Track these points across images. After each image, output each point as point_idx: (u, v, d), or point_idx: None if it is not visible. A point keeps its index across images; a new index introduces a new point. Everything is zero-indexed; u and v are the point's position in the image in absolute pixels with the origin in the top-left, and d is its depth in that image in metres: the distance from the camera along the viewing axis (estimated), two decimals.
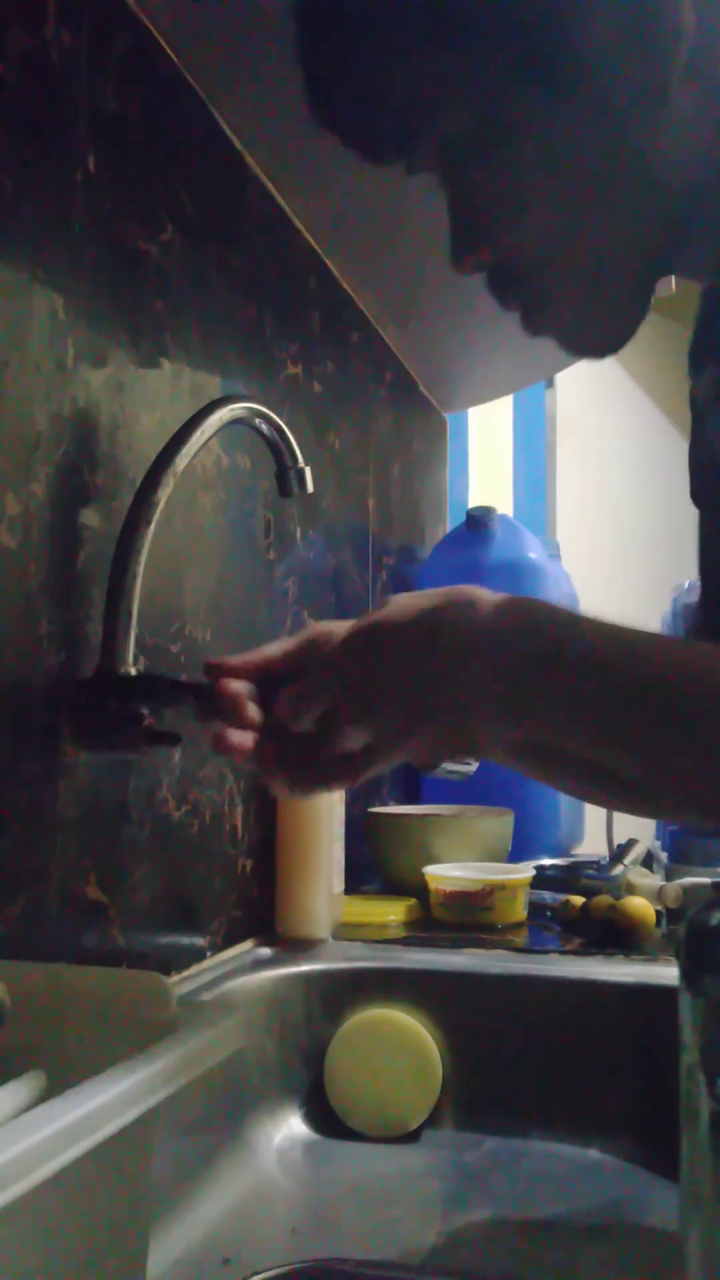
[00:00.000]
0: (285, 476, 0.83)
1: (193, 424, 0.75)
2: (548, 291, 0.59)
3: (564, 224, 0.57)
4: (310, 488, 0.83)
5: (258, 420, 0.81)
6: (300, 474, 0.83)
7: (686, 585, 1.55)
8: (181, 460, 0.74)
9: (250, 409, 0.80)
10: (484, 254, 0.59)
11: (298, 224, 1.15)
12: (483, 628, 0.52)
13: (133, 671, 0.72)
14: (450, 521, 1.90)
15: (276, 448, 0.83)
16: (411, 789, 1.59)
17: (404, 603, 0.55)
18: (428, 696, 0.52)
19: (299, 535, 1.16)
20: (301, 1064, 0.93)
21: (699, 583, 0.63)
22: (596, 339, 0.61)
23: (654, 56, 0.52)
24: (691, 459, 0.64)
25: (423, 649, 0.52)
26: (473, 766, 0.67)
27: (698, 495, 0.63)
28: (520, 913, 1.14)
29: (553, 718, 0.51)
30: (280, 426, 0.82)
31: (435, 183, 0.60)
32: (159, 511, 0.73)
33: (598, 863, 1.23)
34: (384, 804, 1.45)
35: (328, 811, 1.06)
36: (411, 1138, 0.91)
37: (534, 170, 0.55)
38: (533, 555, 1.58)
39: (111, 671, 0.72)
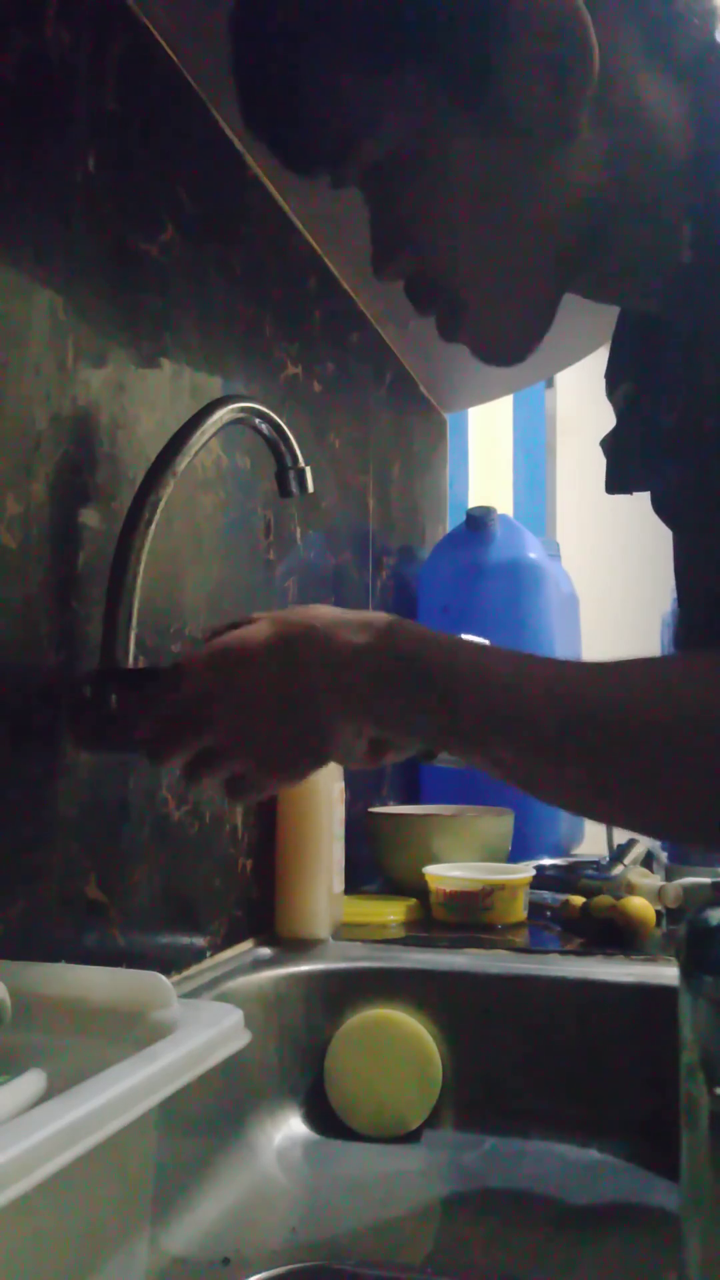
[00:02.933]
0: (285, 476, 0.83)
1: (193, 424, 0.75)
2: (460, 302, 0.63)
3: (476, 241, 0.60)
4: (310, 488, 0.83)
5: (258, 420, 0.81)
6: (300, 474, 0.83)
7: None
8: (181, 460, 0.74)
9: (250, 409, 0.80)
10: (403, 264, 0.63)
11: (298, 224, 1.15)
12: (339, 646, 0.58)
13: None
14: (450, 521, 1.90)
15: (276, 448, 0.83)
16: (411, 789, 1.59)
17: (255, 632, 0.60)
18: (291, 716, 0.58)
19: (299, 535, 1.16)
20: (301, 1064, 0.93)
21: (675, 595, 0.64)
22: (504, 349, 0.65)
23: (567, 91, 0.55)
24: (609, 449, 0.70)
25: (282, 672, 0.58)
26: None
27: (660, 508, 0.65)
28: (520, 913, 1.14)
29: (408, 727, 0.58)
30: (280, 426, 0.82)
31: (359, 196, 0.64)
32: (159, 511, 0.73)
33: (598, 863, 1.23)
34: (384, 804, 1.45)
35: (328, 811, 1.06)
36: (411, 1138, 0.91)
37: (451, 190, 0.59)
38: (533, 555, 1.59)
39: (111, 669, 0.72)
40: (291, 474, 0.83)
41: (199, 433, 0.75)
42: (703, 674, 0.50)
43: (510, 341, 0.64)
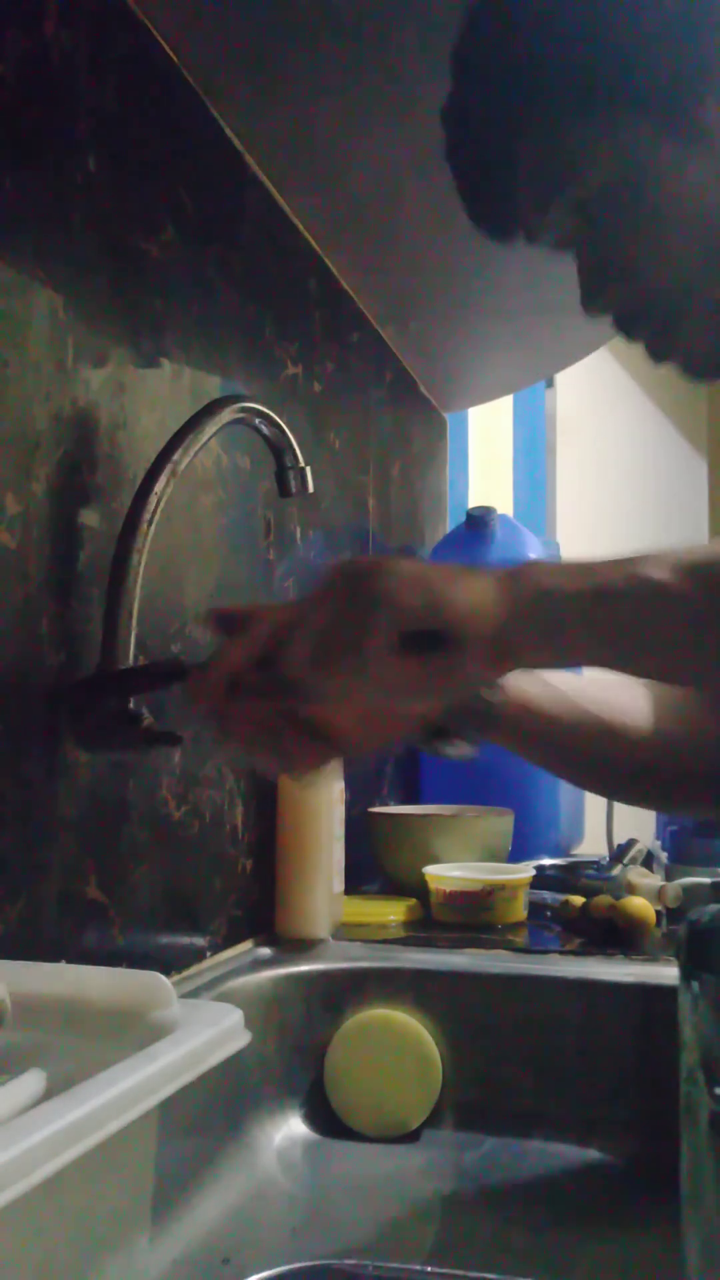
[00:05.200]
0: (285, 476, 0.83)
1: (193, 424, 0.75)
2: (670, 325, 0.67)
3: (685, 265, 0.65)
4: (310, 488, 0.83)
5: (258, 420, 0.81)
6: (300, 474, 0.83)
7: None
8: (182, 460, 0.74)
9: (250, 409, 0.80)
10: (614, 295, 0.67)
11: (298, 224, 1.15)
12: (477, 582, 0.57)
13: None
14: (450, 521, 1.90)
15: (276, 448, 0.83)
16: (411, 789, 1.59)
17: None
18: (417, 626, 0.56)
19: (299, 535, 1.16)
20: (301, 1064, 0.93)
21: None
22: (713, 364, 0.69)
23: None
24: None
25: (419, 581, 0.56)
26: (471, 749, 0.70)
27: None
28: (520, 913, 1.14)
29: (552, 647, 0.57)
30: (280, 426, 0.82)
31: (549, 251, 0.68)
32: (159, 511, 0.73)
33: (598, 863, 1.23)
34: (384, 804, 1.45)
35: (328, 811, 1.06)
36: (411, 1138, 0.91)
37: (661, 215, 0.64)
38: (533, 555, 1.58)
39: (111, 670, 0.72)
40: (291, 474, 0.83)
41: (199, 433, 0.75)
42: None
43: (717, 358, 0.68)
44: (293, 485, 0.83)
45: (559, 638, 0.56)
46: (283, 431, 0.82)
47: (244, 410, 0.79)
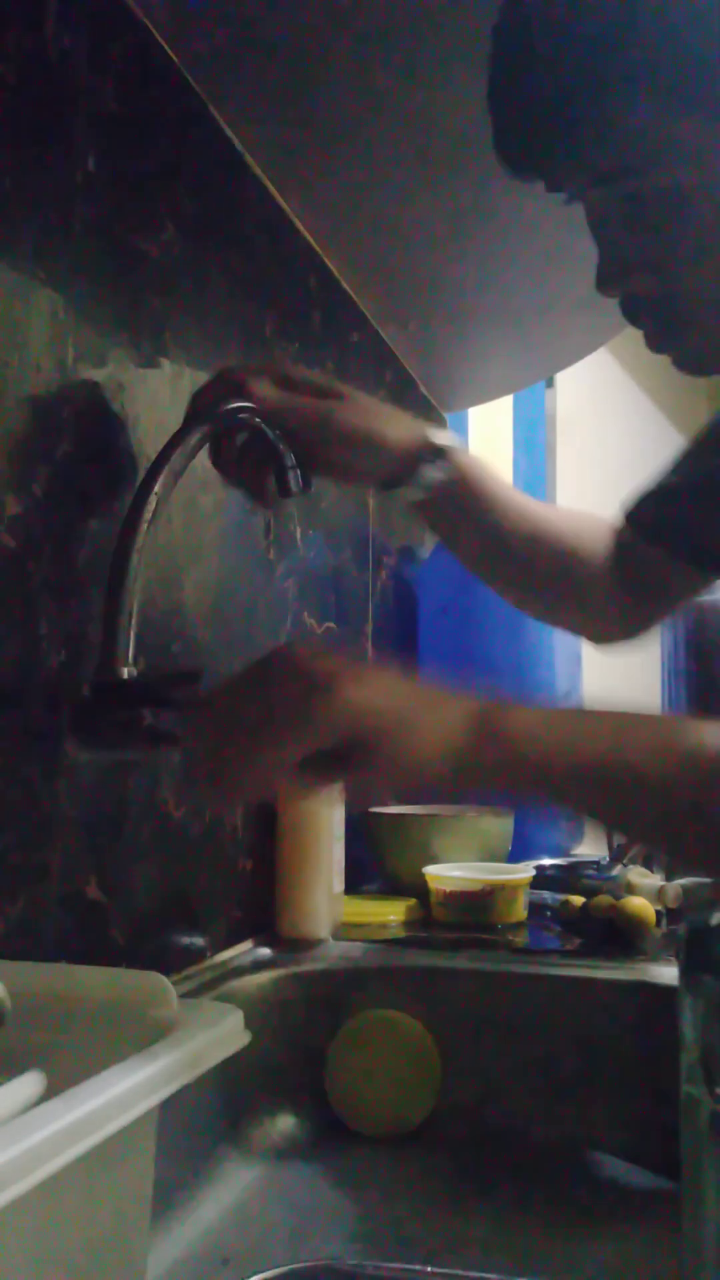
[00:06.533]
0: (285, 476, 0.83)
1: (193, 424, 0.75)
2: (678, 314, 0.67)
3: (709, 254, 0.64)
4: (310, 487, 0.83)
5: (258, 420, 0.81)
6: (300, 474, 0.82)
7: None
8: (181, 460, 0.74)
9: (250, 409, 0.80)
10: (636, 283, 0.67)
11: (298, 224, 1.15)
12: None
13: (132, 673, 0.72)
14: None
15: (276, 448, 0.82)
16: None
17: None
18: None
19: (299, 535, 1.16)
20: (301, 1064, 0.93)
21: None
22: (710, 360, 0.69)
23: None
24: None
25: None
26: None
27: None
28: (520, 913, 1.14)
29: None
30: None
31: (580, 208, 0.67)
32: (158, 512, 0.73)
33: (598, 863, 1.23)
34: (384, 804, 1.45)
35: (328, 811, 1.06)
36: (412, 1137, 0.91)
37: (693, 200, 0.63)
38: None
39: (111, 674, 0.71)
40: (291, 474, 0.83)
41: (199, 433, 0.75)
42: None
43: (716, 354, 0.68)
44: (293, 485, 0.83)
45: (521, 792, 0.62)
46: None
47: (244, 410, 0.79)
